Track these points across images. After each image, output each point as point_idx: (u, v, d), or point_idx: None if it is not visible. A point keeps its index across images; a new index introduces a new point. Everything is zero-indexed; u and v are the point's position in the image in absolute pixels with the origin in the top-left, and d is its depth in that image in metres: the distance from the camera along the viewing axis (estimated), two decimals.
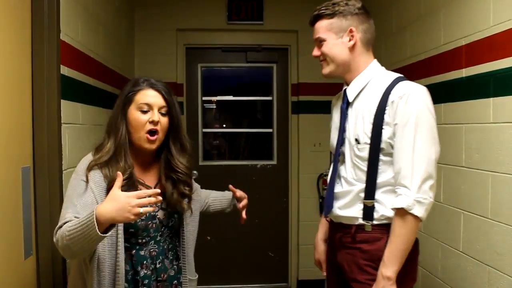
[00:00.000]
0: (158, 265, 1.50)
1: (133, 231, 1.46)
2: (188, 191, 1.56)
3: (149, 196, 1.25)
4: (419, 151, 1.41)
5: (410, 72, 2.42)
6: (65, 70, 1.91)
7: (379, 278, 1.42)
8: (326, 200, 1.62)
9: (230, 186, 1.85)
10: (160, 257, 1.52)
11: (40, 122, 1.75)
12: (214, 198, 1.86)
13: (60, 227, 1.31)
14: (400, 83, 1.48)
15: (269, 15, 3.64)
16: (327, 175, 3.57)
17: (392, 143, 1.45)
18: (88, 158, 1.47)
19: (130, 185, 1.42)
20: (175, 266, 1.57)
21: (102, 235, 1.21)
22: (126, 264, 1.44)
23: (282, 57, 3.78)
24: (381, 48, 2.92)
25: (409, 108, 1.42)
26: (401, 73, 1.57)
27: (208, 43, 3.74)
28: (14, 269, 1.59)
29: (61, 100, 1.85)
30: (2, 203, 1.51)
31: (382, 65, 1.62)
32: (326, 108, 3.72)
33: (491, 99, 1.81)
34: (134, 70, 3.49)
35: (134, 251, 1.47)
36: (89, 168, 1.41)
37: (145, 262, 1.48)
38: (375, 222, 1.49)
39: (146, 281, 1.47)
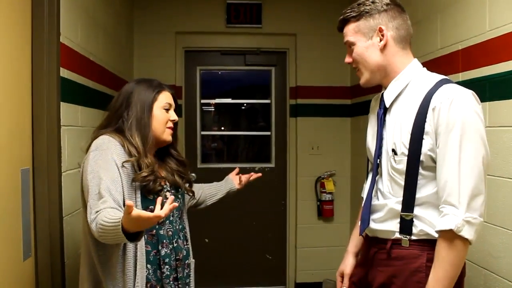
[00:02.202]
0: (175, 244, 1.62)
1: (152, 210, 1.51)
2: (188, 175, 1.78)
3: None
4: (467, 163, 1.23)
5: None
6: (64, 73, 1.92)
7: None
8: (362, 215, 1.47)
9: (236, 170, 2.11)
10: (175, 236, 1.64)
11: (40, 124, 1.76)
12: (209, 186, 2.00)
13: (98, 211, 1.36)
14: (444, 86, 1.31)
15: (268, 18, 3.66)
16: (324, 178, 3.66)
17: (433, 156, 1.29)
18: (105, 138, 1.51)
19: (155, 179, 1.54)
20: (186, 247, 1.69)
21: (131, 242, 1.35)
22: (148, 245, 1.56)
23: (280, 60, 3.80)
24: None
25: (453, 114, 1.25)
26: None
27: (207, 46, 3.76)
28: (12, 270, 1.59)
29: (61, 102, 1.86)
30: (1, 205, 1.52)
31: None
32: (324, 111, 3.80)
33: (487, 103, 1.82)
34: (133, 72, 3.50)
35: (154, 231, 1.58)
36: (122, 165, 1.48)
37: (164, 241, 1.59)
38: (413, 238, 1.34)
39: (167, 260, 1.58)
